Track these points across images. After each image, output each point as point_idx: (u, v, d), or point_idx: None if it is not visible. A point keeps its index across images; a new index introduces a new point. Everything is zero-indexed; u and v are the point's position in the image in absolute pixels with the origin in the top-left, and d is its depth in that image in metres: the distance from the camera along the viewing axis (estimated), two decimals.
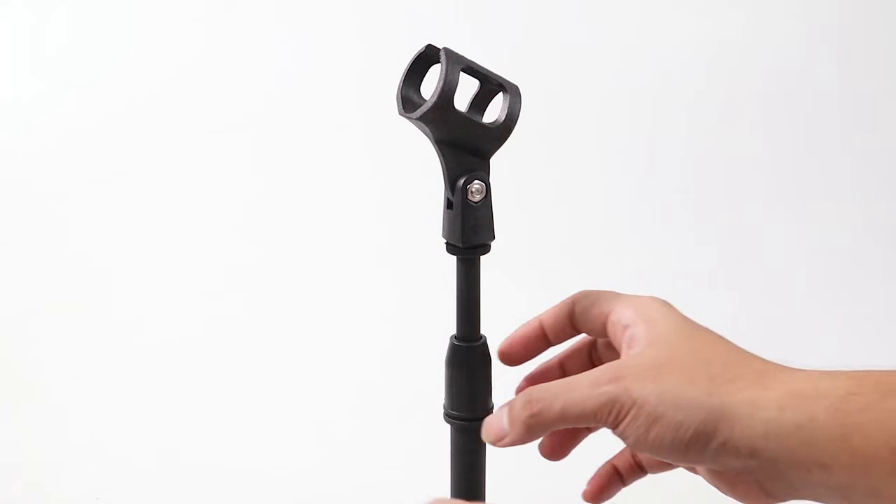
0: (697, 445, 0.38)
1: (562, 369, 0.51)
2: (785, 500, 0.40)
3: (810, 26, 1.56)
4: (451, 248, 0.47)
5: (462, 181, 0.45)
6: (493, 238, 0.47)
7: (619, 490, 0.51)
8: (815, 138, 1.51)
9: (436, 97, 0.43)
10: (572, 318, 0.48)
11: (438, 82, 0.43)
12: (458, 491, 0.52)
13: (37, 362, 1.05)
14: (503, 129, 0.46)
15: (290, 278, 1.27)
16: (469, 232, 0.46)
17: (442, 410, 0.50)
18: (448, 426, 0.51)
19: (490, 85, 0.47)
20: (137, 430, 0.92)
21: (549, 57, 1.54)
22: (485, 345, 0.49)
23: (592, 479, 0.52)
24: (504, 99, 0.46)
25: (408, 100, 0.45)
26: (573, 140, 1.50)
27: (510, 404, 0.44)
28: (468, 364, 0.48)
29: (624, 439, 0.40)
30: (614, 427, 0.40)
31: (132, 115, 1.52)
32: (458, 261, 0.47)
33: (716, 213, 1.42)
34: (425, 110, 0.43)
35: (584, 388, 0.41)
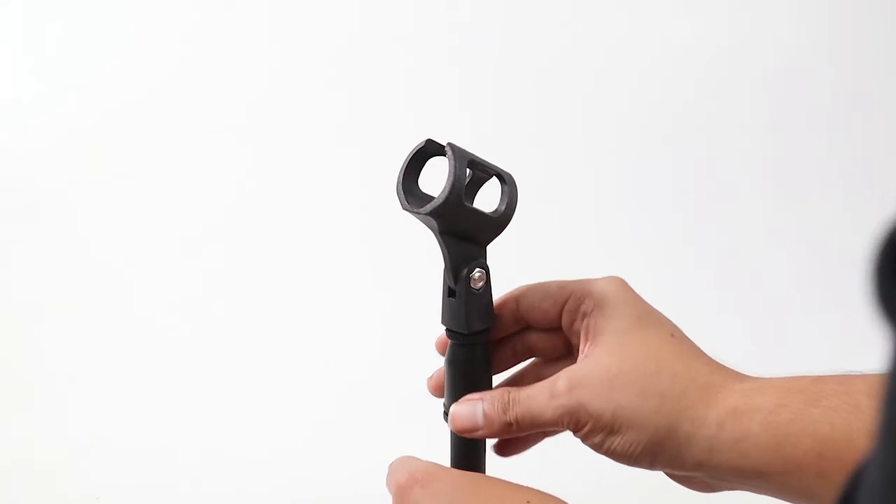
0: (647, 458, 0.42)
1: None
2: (727, 490, 0.44)
3: (810, 28, 1.56)
4: (453, 335, 0.48)
5: (465, 270, 0.46)
6: (494, 320, 0.48)
7: (537, 442, 0.53)
8: (814, 139, 1.50)
9: (446, 194, 0.43)
10: (516, 313, 0.50)
11: (448, 180, 0.43)
12: None
13: (37, 362, 1.05)
14: (503, 219, 0.46)
15: (289, 278, 1.27)
16: (473, 319, 0.47)
17: (442, 410, 0.50)
18: (447, 425, 0.51)
19: (488, 175, 0.47)
20: (137, 429, 0.92)
21: (546, 56, 1.54)
22: (485, 344, 0.49)
23: None
24: (503, 189, 0.47)
25: (409, 192, 0.45)
26: (570, 141, 1.50)
27: (485, 401, 0.46)
28: (469, 363, 0.49)
29: (583, 441, 0.44)
30: (575, 432, 0.44)
31: (132, 115, 1.52)
32: (458, 345, 0.48)
33: (715, 214, 1.42)
34: (435, 206, 0.43)
35: (544, 398, 0.44)
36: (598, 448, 0.43)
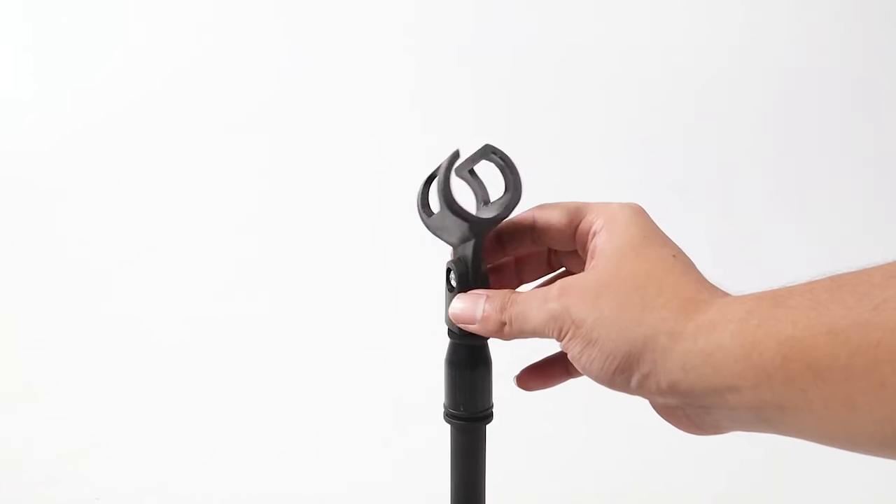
0: (623, 375, 0.40)
1: (517, 271, 0.52)
2: (711, 433, 0.42)
3: (812, 25, 1.56)
4: (453, 335, 0.48)
5: (484, 267, 0.46)
6: None
7: (560, 381, 0.52)
8: (815, 137, 1.50)
9: (502, 212, 0.44)
10: (532, 232, 0.49)
11: (511, 190, 0.45)
12: (458, 490, 0.52)
13: (37, 362, 1.05)
14: (497, 220, 0.46)
15: (290, 278, 1.27)
16: None
17: (442, 410, 0.50)
18: (448, 426, 0.51)
19: (501, 174, 0.47)
20: (137, 430, 0.92)
21: (552, 56, 1.54)
22: (485, 344, 0.49)
23: (534, 366, 0.52)
24: (505, 195, 0.47)
25: (426, 206, 0.46)
26: (574, 140, 1.50)
27: (489, 299, 0.46)
28: (469, 363, 0.49)
29: (566, 353, 0.43)
30: (559, 341, 0.43)
31: (132, 115, 1.52)
32: (458, 345, 0.48)
33: (715, 214, 1.42)
34: (499, 214, 0.45)
35: (537, 300, 0.43)
36: (577, 362, 0.42)
